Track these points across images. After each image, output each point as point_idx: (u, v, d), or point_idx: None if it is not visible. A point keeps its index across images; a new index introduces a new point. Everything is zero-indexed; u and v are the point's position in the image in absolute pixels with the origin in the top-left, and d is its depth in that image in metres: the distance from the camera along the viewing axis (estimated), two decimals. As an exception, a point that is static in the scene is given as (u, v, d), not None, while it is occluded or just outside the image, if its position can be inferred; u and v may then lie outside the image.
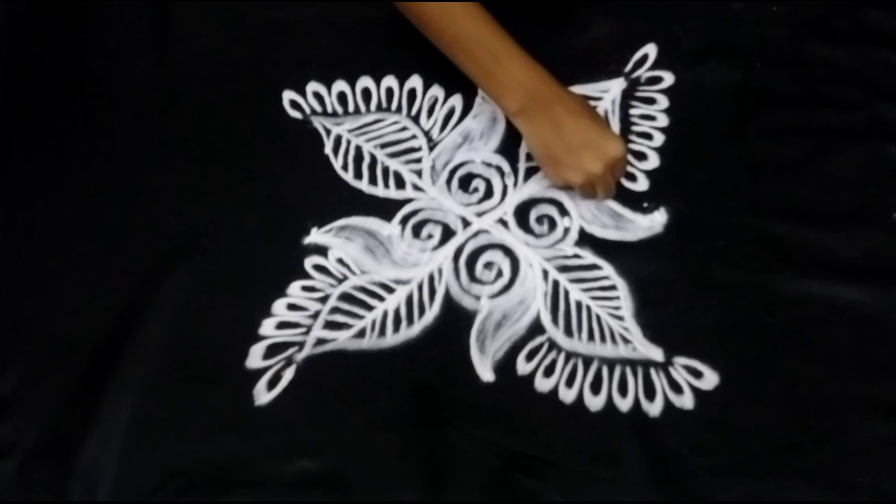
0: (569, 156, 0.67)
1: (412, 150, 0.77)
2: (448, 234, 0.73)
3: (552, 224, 0.73)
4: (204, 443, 0.67)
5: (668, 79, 0.78)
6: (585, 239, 0.72)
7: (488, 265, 0.72)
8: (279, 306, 0.71)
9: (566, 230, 0.73)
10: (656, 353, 0.68)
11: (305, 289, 0.72)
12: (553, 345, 0.69)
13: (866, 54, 0.78)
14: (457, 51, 0.70)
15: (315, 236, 0.74)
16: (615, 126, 0.76)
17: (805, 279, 0.69)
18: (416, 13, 0.70)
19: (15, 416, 0.68)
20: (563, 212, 0.74)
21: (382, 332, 0.70)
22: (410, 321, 0.70)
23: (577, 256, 0.72)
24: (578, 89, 0.77)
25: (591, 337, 0.69)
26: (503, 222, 0.74)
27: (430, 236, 0.73)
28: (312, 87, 0.80)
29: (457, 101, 0.78)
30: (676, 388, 0.66)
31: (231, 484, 0.65)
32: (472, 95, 0.78)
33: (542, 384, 0.67)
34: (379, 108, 0.79)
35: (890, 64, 0.77)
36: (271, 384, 0.68)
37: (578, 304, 0.70)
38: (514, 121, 0.70)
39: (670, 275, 0.70)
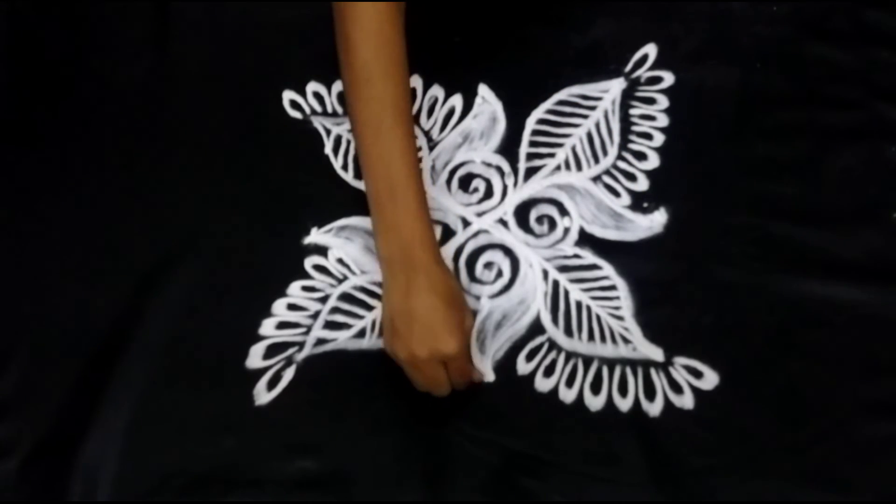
0: (404, 326, 0.61)
1: (412, 150, 0.77)
2: (448, 234, 0.73)
3: (552, 224, 0.73)
4: (204, 443, 0.67)
5: (668, 79, 0.78)
6: (585, 239, 0.72)
7: (488, 265, 0.72)
8: (279, 306, 0.71)
9: (566, 230, 0.73)
10: (656, 353, 0.68)
11: (305, 289, 0.72)
12: (553, 345, 0.69)
13: (866, 54, 0.78)
14: (363, 163, 0.65)
15: (315, 236, 0.74)
16: (615, 126, 0.76)
17: (805, 279, 0.69)
18: (351, 100, 0.65)
19: (15, 416, 0.68)
20: (564, 212, 0.74)
21: (382, 333, 0.70)
22: (410, 321, 0.70)
23: (577, 256, 0.72)
24: (578, 89, 0.78)
25: (591, 337, 0.69)
26: (503, 222, 0.74)
27: (430, 236, 0.73)
28: (312, 87, 0.80)
29: (457, 101, 0.78)
30: (677, 388, 0.66)
31: (231, 484, 0.65)
32: (472, 95, 0.78)
33: (543, 384, 0.67)
34: (379, 108, 0.78)
35: (890, 64, 0.77)
36: (271, 384, 0.68)
37: (578, 304, 0.70)
38: (379, 264, 0.65)
39: (670, 275, 0.70)
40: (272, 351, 0.69)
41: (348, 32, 0.64)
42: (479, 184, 0.75)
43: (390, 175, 0.63)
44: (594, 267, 0.71)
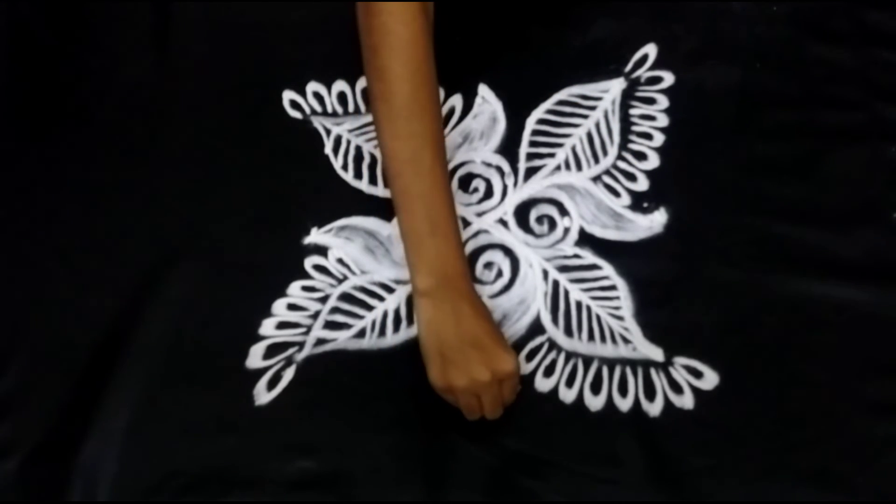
0: (459, 354, 0.61)
1: (412, 150, 0.77)
2: (448, 234, 0.73)
3: (552, 224, 0.73)
4: (204, 443, 0.67)
5: (668, 79, 0.78)
6: (585, 239, 0.72)
7: (488, 265, 0.72)
8: (279, 306, 0.71)
9: (566, 230, 0.73)
10: (656, 353, 0.68)
11: (305, 289, 0.72)
12: (553, 345, 0.69)
13: (866, 54, 0.78)
14: (402, 200, 0.64)
15: (315, 236, 0.74)
16: (615, 126, 0.76)
17: (805, 279, 0.69)
18: (388, 136, 0.64)
19: (15, 416, 0.68)
20: (564, 212, 0.74)
21: (382, 332, 0.70)
22: (411, 321, 0.70)
23: (577, 256, 0.72)
24: (578, 89, 0.78)
25: (591, 337, 0.69)
26: (503, 222, 0.74)
27: (430, 236, 0.73)
28: (312, 87, 0.80)
29: (457, 101, 0.78)
30: (676, 388, 0.66)
31: (231, 484, 0.65)
32: (472, 95, 0.78)
33: (543, 384, 0.67)
34: (379, 108, 0.78)
35: (890, 64, 0.77)
36: (271, 384, 0.68)
37: (578, 304, 0.70)
38: (416, 300, 0.64)
39: (670, 275, 0.70)
40: (272, 351, 0.69)
41: (388, 65, 0.63)
42: (479, 184, 0.75)
43: (431, 212, 0.63)
44: (594, 267, 0.71)
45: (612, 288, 0.70)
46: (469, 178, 0.76)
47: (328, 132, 0.78)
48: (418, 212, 0.63)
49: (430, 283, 0.62)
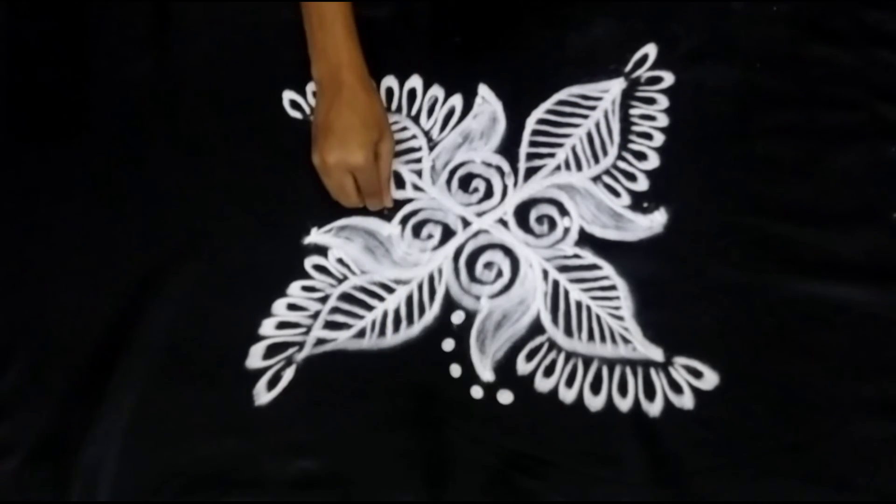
0: (322, 137, 0.68)
1: (412, 150, 0.77)
2: (448, 234, 0.73)
3: (552, 224, 0.73)
4: (204, 443, 0.67)
5: (668, 79, 0.78)
6: (585, 239, 0.72)
7: (488, 265, 0.72)
8: (279, 306, 0.71)
9: (566, 230, 0.73)
10: (656, 353, 0.68)
11: (305, 289, 0.72)
12: (553, 345, 0.69)
13: (866, 54, 0.78)
14: None
15: (315, 236, 0.74)
16: (615, 126, 0.76)
17: (805, 279, 0.69)
18: None
19: (15, 416, 0.68)
20: (564, 212, 0.74)
21: (382, 332, 0.70)
22: (410, 321, 0.70)
23: (577, 256, 0.72)
24: (578, 89, 0.78)
25: (591, 337, 0.69)
26: (503, 222, 0.74)
27: (430, 236, 0.73)
28: (312, 86, 0.79)
29: (457, 101, 0.78)
30: (676, 388, 0.66)
31: (231, 484, 0.65)
32: (472, 95, 0.78)
33: (542, 384, 0.67)
34: (379, 108, 0.78)
35: (890, 64, 0.77)
36: (271, 384, 0.68)
37: (578, 304, 0.70)
38: (315, 84, 0.72)
39: (670, 275, 0.70)
40: (272, 351, 0.69)
41: None
42: (479, 184, 0.75)
43: (321, 5, 0.69)
44: (594, 267, 0.71)
45: (612, 288, 0.70)
46: (469, 178, 0.76)
47: (328, 132, 0.78)
48: (311, 5, 0.70)
49: (319, 73, 0.70)
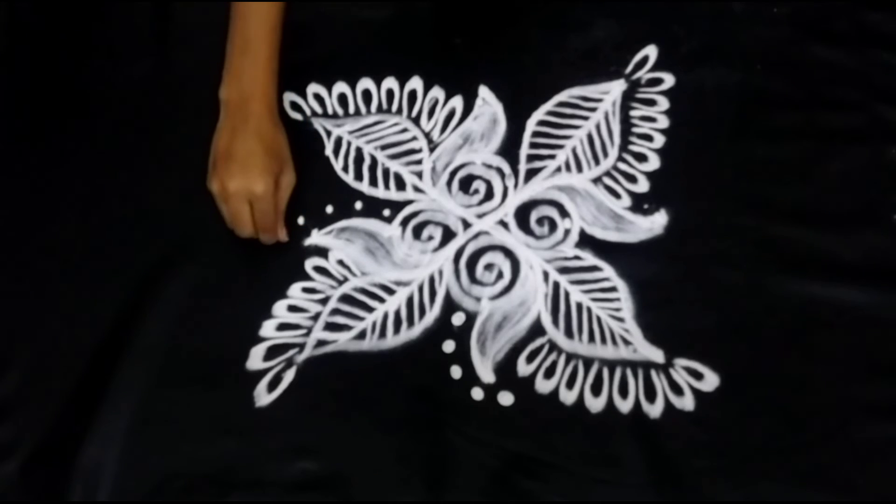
0: (223, 163, 0.68)
1: (413, 151, 0.77)
2: (448, 235, 0.73)
3: (553, 226, 0.73)
4: (204, 444, 0.67)
5: (669, 80, 0.78)
6: (586, 240, 0.72)
7: (489, 267, 0.72)
8: (280, 308, 0.71)
9: (567, 232, 0.73)
10: (657, 355, 0.68)
11: (306, 290, 0.72)
12: (554, 346, 0.69)
13: (866, 56, 0.78)
14: (232, 11, 0.70)
15: (315, 238, 0.74)
16: (615, 128, 0.76)
17: (805, 281, 0.69)
18: None
19: (16, 417, 0.68)
20: (564, 213, 0.74)
21: (383, 334, 0.70)
22: (411, 323, 0.70)
23: (577, 258, 0.72)
24: (578, 91, 0.78)
25: (591, 338, 0.69)
26: (504, 224, 0.74)
27: (430, 238, 0.73)
28: (313, 88, 0.80)
29: (457, 102, 0.78)
30: (677, 390, 0.66)
31: (231, 485, 0.65)
32: (472, 97, 0.78)
33: (543, 386, 0.67)
34: (379, 109, 0.79)
35: (890, 65, 0.77)
36: (272, 386, 0.68)
37: (579, 306, 0.70)
38: (221, 105, 0.71)
39: (671, 276, 0.70)
40: (273, 352, 0.69)
41: None
42: (479, 185, 0.75)
43: (247, 29, 0.69)
44: (595, 268, 0.71)
45: (613, 289, 0.70)
46: (469, 179, 0.76)
47: (329, 134, 0.78)
48: (237, 26, 0.69)
49: (229, 96, 0.69)
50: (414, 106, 0.78)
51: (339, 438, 0.66)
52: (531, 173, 0.75)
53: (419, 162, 0.76)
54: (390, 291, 0.72)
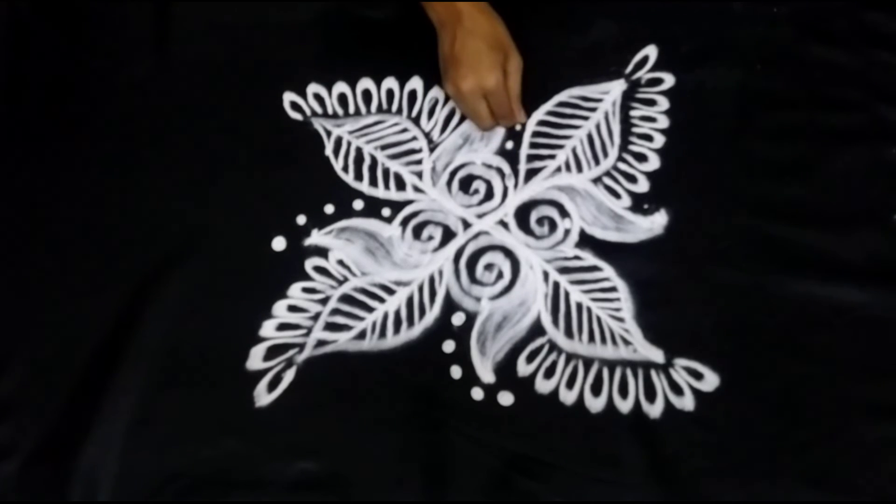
0: (452, 68, 0.71)
1: (413, 151, 0.77)
2: (448, 235, 0.74)
3: (553, 226, 0.73)
4: (204, 444, 0.67)
5: (669, 80, 0.78)
6: (586, 240, 0.72)
7: (489, 267, 0.72)
8: (280, 308, 0.71)
9: (567, 232, 0.73)
10: (657, 355, 0.68)
11: (306, 290, 0.72)
12: (553, 346, 0.69)
13: (867, 56, 0.78)
14: None
15: (315, 238, 0.74)
16: (615, 128, 0.76)
17: (805, 281, 0.69)
18: None
19: (16, 417, 0.68)
20: (564, 213, 0.74)
21: (383, 334, 0.70)
22: (411, 323, 0.70)
23: (577, 258, 0.72)
24: (578, 91, 0.78)
25: (591, 338, 0.69)
26: (504, 224, 0.74)
27: (430, 238, 0.73)
28: (313, 88, 0.79)
29: (457, 102, 0.78)
30: (677, 390, 0.66)
31: (232, 485, 0.65)
32: (472, 97, 0.78)
33: (543, 385, 0.67)
34: (379, 109, 0.79)
35: (890, 65, 0.77)
36: (272, 386, 0.68)
37: (579, 306, 0.70)
38: (437, 23, 0.73)
39: (671, 276, 0.70)
40: (273, 352, 0.70)
41: None
42: (479, 185, 0.75)
43: None
44: (595, 268, 0.71)
45: (613, 289, 0.70)
46: (469, 179, 0.76)
47: (329, 134, 0.78)
48: None
49: (436, 10, 0.72)
50: (414, 106, 0.78)
51: (338, 438, 0.66)
52: (531, 173, 0.75)
53: (419, 162, 0.76)
54: (390, 291, 0.72)
